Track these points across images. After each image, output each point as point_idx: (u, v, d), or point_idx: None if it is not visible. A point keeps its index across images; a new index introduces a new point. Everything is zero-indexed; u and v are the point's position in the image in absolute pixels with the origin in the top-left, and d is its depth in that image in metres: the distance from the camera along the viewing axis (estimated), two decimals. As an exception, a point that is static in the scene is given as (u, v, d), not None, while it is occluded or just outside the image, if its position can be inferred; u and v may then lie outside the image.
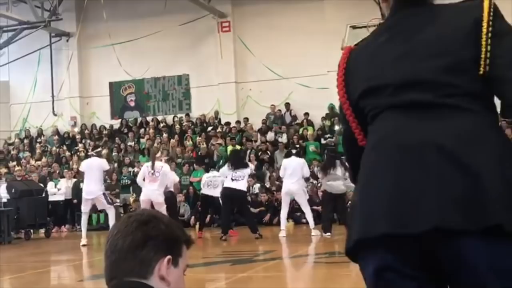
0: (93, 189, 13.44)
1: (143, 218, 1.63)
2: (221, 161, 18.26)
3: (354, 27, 16.88)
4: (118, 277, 1.60)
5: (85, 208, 13.65)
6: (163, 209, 12.78)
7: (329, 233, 12.82)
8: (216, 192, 13.92)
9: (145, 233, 1.60)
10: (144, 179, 13.18)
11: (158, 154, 14.34)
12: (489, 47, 1.74)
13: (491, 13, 1.76)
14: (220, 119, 22.37)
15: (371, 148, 1.85)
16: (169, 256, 1.63)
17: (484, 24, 1.75)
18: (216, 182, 14.08)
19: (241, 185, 13.19)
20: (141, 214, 1.66)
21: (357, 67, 1.91)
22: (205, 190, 14.30)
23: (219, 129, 21.33)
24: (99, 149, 16.71)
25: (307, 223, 13.93)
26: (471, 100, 1.76)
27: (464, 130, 1.72)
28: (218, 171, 14.66)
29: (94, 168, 13.50)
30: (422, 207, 1.67)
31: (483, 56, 1.74)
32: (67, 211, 18.98)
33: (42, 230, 16.90)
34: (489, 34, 1.74)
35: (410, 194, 1.69)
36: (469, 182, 1.65)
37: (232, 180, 13.06)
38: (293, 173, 13.23)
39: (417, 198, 1.68)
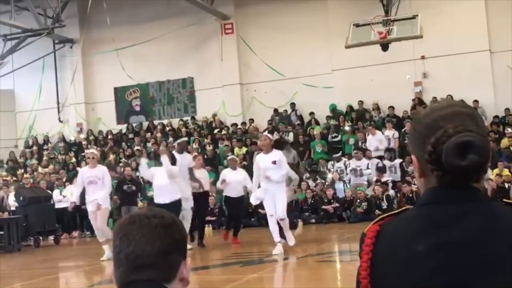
0: None
1: (166, 222, 1.63)
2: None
3: (357, 25, 16.86)
4: (139, 282, 1.59)
5: None
6: None
7: None
8: None
9: (172, 238, 1.62)
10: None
11: None
12: None
13: None
14: (221, 121, 22.34)
15: None
16: (188, 258, 1.68)
17: None
18: None
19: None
20: (162, 217, 1.64)
21: (388, 267, 1.45)
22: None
23: (224, 131, 21.33)
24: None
25: (315, 223, 13.86)
26: None
27: None
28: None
29: None
30: None
31: None
32: (76, 218, 18.97)
33: (52, 237, 16.93)
34: None
35: None
36: None
37: None
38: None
39: None
